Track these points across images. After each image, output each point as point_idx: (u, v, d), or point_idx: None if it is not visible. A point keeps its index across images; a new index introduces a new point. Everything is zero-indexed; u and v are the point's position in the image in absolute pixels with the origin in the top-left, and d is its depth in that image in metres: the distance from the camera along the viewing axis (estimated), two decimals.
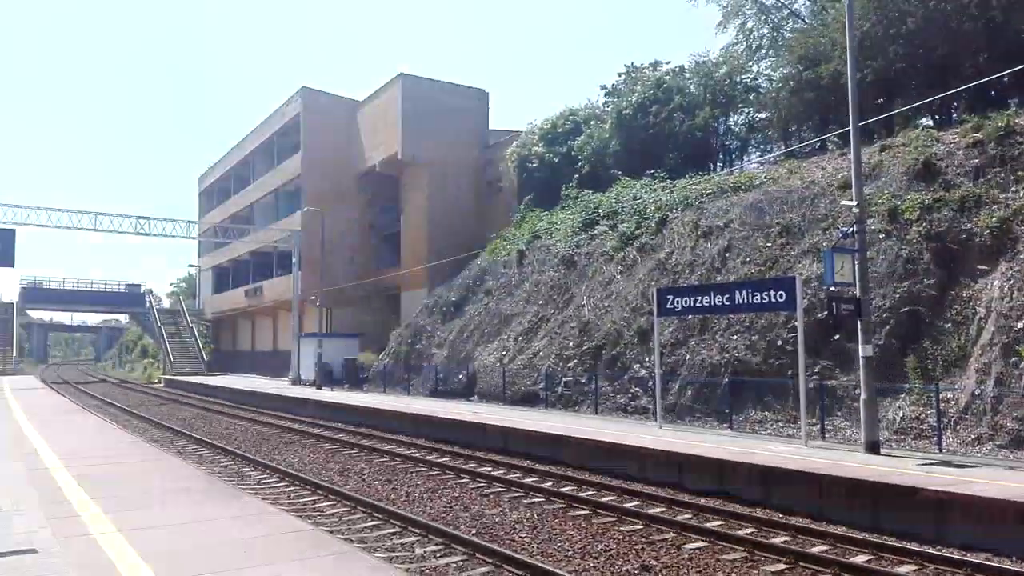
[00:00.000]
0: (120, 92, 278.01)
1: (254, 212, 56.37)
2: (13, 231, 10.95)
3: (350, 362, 39.57)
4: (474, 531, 10.34)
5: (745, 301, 16.66)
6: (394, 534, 10.29)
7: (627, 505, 11.87)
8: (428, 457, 17.09)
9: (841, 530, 10.21)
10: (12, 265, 10.88)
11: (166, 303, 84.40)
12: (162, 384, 54.84)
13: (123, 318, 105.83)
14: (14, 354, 63.99)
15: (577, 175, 35.19)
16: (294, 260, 42.86)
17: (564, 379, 24.47)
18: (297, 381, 41.67)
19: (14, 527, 7.77)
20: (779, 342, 18.52)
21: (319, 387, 37.31)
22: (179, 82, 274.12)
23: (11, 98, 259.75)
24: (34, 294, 72.18)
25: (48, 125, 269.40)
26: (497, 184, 42.88)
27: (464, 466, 15.72)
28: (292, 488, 13.76)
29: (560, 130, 38.73)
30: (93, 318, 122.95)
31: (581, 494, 12.76)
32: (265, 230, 48.20)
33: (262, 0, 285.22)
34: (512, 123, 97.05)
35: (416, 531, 10.31)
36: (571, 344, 25.28)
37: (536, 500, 12.52)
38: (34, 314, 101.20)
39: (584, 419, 20.63)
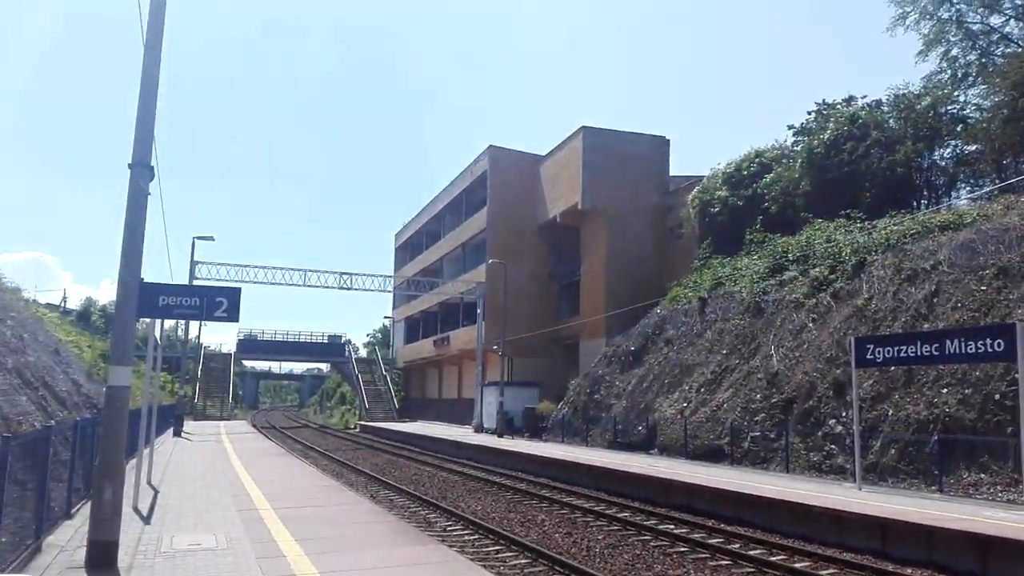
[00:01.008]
0: (328, 158, 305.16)
1: (443, 266, 59.70)
2: (239, 289, 12.21)
3: (530, 411, 40.21)
4: None
5: (957, 351, 15.41)
6: None
7: (823, 573, 11.21)
8: (608, 511, 17.00)
9: None
10: (238, 320, 12.10)
11: (363, 353, 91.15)
12: (357, 429, 58.24)
13: (324, 367, 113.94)
14: (230, 400, 70.59)
15: (762, 217, 34.15)
16: (478, 311, 44.65)
17: (751, 434, 23.52)
18: (479, 429, 42.87)
19: (228, 565, 8.56)
20: (997, 396, 16.86)
21: (500, 435, 38.24)
22: (379, 148, 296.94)
23: (233, 166, 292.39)
24: (248, 345, 79.48)
25: (264, 191, 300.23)
26: (678, 231, 42.55)
27: (645, 522, 15.49)
28: (476, 536, 14.18)
29: (744, 172, 37.91)
30: (298, 367, 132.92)
31: (772, 558, 12.20)
32: (452, 282, 51.17)
33: (453, 72, 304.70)
34: (693, 168, 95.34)
35: None
36: (758, 396, 24.31)
37: (723, 563, 12.11)
38: (247, 363, 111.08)
39: (773, 477, 19.72)
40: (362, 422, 60.65)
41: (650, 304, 36.20)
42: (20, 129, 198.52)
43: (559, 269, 49.39)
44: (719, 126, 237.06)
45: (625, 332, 36.47)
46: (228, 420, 60.43)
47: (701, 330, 30.52)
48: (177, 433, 34.81)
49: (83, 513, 11.50)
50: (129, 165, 9.21)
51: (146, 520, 11.69)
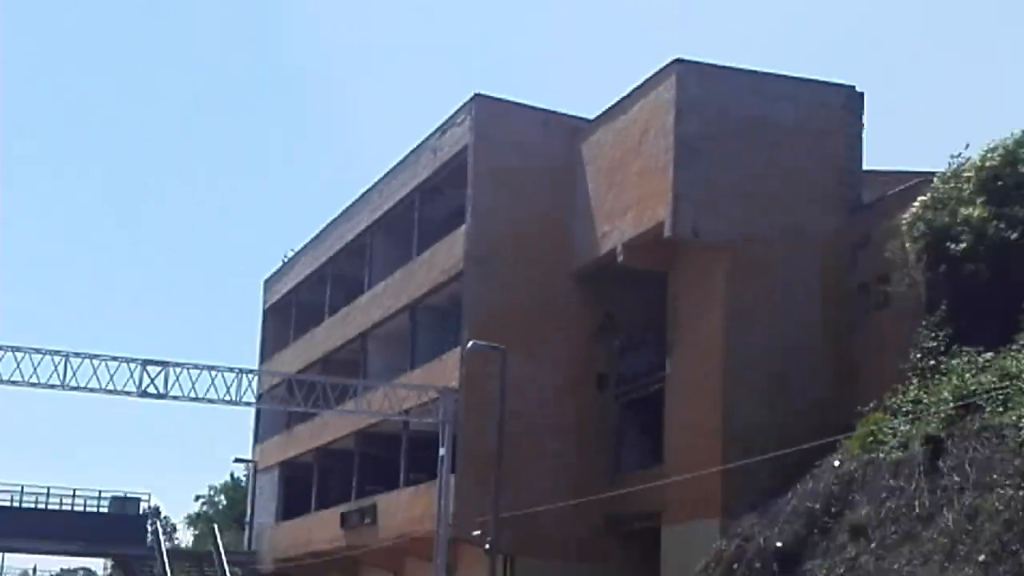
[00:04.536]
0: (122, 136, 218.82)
1: (366, 350, 37.81)
2: None
3: None
4: None
5: None
6: None
7: None
8: None
9: None
10: None
11: (185, 537, 60.69)
12: None
13: (99, 565, 64.31)
14: None
15: None
16: (441, 452, 26.91)
17: None
18: None
19: None
20: None
21: None
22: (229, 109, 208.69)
23: None
24: None
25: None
26: (879, 289, 26.84)
27: None
28: None
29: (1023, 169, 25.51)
30: (44, 562, 73.45)
31: None
32: (385, 387, 31.42)
33: None
34: (910, 159, 64.44)
35: None
36: None
37: None
38: None
39: None
40: None
41: (818, 447, 23.65)
42: None
43: (618, 366, 30.96)
44: (964, 72, 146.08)
45: (762, 507, 24.25)
46: None
47: (930, 508, 20.36)
48: None
49: None
50: None
51: None
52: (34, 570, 68.90)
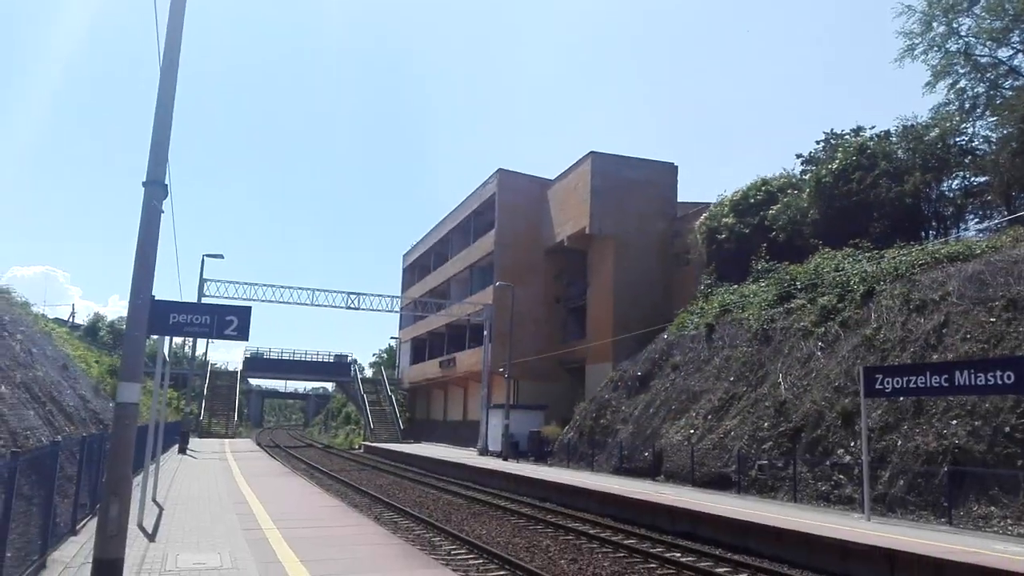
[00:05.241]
0: (338, 179, 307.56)
1: (450, 287, 60.06)
2: (249, 308, 11.98)
3: (535, 435, 39.80)
4: None
5: (966, 383, 15.18)
6: None
7: None
8: (614, 538, 16.72)
9: None
10: (247, 339, 11.93)
11: (368, 373, 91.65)
12: (361, 450, 57.59)
13: (330, 386, 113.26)
14: (235, 418, 70.27)
15: (767, 245, 33.89)
16: (485, 333, 44.62)
17: (758, 462, 23.16)
18: (484, 452, 42.50)
19: None
20: (1007, 429, 16.61)
21: (505, 458, 37.85)
22: (388, 172, 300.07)
23: (242, 186, 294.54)
24: (255, 363, 78.79)
25: (274, 211, 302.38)
26: (685, 256, 42.37)
27: (652, 550, 15.23)
28: (480, 561, 13.94)
29: (752, 201, 37.58)
30: (304, 385, 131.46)
31: None
32: (459, 304, 51.11)
33: (464, 94, 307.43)
34: (701, 195, 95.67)
35: None
36: (766, 424, 23.98)
37: None
38: (253, 381, 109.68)
39: (780, 507, 19.43)
40: (366, 443, 59.89)
41: (657, 329, 35.88)
42: (35, 147, 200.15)
43: (566, 292, 49.50)
44: (728, 154, 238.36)
45: (632, 357, 36.17)
46: (233, 438, 59.97)
47: (708, 356, 30.13)
48: (182, 450, 34.59)
49: (88, 529, 11.35)
50: (144, 183, 9.12)
51: (151, 538, 11.53)
52: (304, 389, 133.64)
